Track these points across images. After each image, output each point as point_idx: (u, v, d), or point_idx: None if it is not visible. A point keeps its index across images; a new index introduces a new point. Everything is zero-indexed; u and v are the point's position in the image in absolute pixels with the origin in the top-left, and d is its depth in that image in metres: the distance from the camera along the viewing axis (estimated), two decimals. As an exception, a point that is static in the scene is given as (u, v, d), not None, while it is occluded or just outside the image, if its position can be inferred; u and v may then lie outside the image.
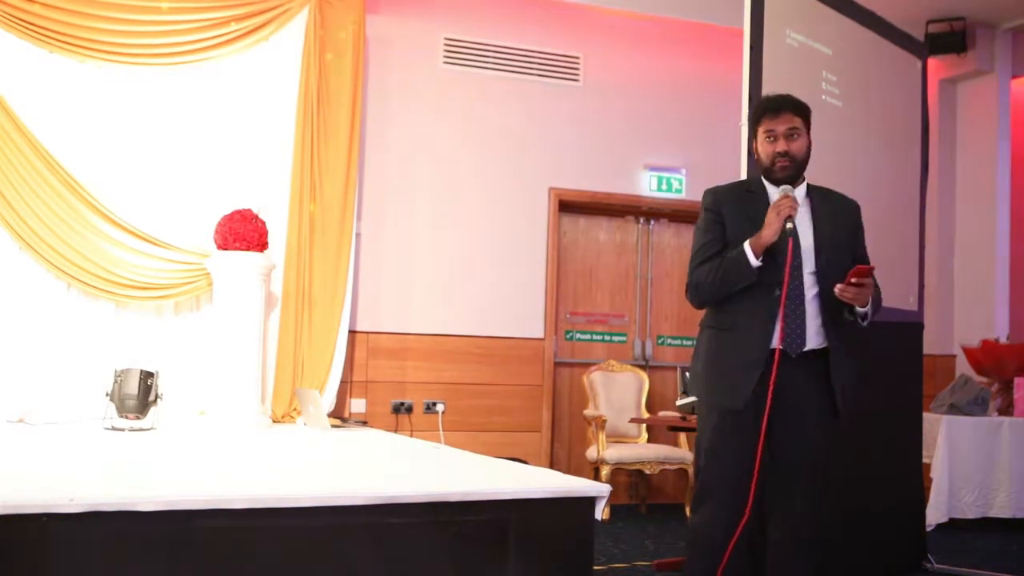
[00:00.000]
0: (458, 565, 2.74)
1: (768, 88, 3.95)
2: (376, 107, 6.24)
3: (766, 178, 3.10)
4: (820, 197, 3.14)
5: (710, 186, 3.23)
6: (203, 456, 3.88)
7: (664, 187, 6.90)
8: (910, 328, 4.80)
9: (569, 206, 6.79)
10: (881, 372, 4.48)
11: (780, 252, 2.96)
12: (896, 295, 4.69)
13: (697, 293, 3.12)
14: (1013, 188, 7.26)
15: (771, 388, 2.90)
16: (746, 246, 2.96)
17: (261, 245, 5.44)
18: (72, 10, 5.42)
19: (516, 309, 6.49)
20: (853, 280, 2.90)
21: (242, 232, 5.36)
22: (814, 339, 3.01)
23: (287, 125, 5.82)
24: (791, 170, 3.04)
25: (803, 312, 2.99)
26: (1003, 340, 6.73)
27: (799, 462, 3.01)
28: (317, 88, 5.85)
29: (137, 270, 5.47)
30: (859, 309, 3.00)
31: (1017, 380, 6.20)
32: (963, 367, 6.81)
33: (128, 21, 5.52)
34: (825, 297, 3.01)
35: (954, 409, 6.01)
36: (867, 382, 4.33)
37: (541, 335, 6.55)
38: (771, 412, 2.93)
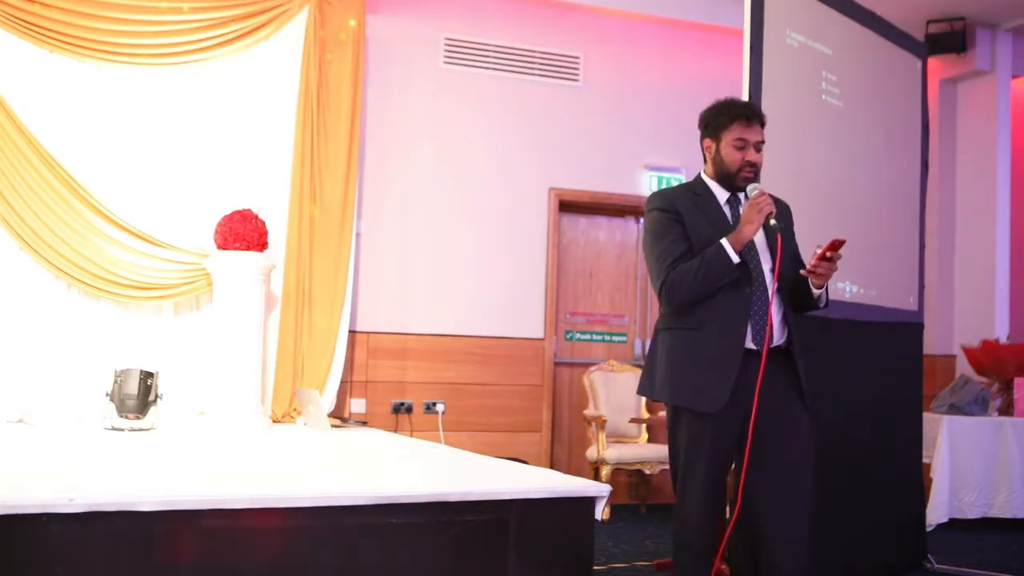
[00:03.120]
0: (458, 565, 2.74)
1: (769, 88, 3.95)
2: (376, 107, 6.23)
3: (721, 182, 3.08)
4: None
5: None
6: (203, 456, 3.88)
7: (664, 187, 6.89)
8: (910, 328, 4.80)
9: (569, 206, 6.79)
10: (881, 372, 4.48)
11: (743, 250, 2.94)
12: (896, 295, 4.69)
13: (674, 294, 2.95)
14: (1013, 188, 7.26)
15: (758, 387, 2.84)
16: (725, 244, 2.89)
17: (261, 245, 5.44)
18: (72, 10, 5.42)
19: (516, 309, 6.49)
20: (828, 254, 2.84)
21: (242, 232, 5.36)
22: (779, 336, 2.98)
23: (287, 125, 5.82)
24: (751, 180, 3.03)
25: (769, 309, 2.94)
26: (1003, 340, 6.73)
27: (791, 461, 2.95)
28: (317, 88, 5.85)
29: (137, 270, 5.47)
30: (815, 291, 2.97)
31: (1017, 380, 6.20)
32: (963, 367, 6.81)
33: (128, 21, 5.53)
34: (782, 294, 3.00)
35: (954, 409, 6.01)
36: (867, 382, 4.35)
37: (541, 335, 6.55)
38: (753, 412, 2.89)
